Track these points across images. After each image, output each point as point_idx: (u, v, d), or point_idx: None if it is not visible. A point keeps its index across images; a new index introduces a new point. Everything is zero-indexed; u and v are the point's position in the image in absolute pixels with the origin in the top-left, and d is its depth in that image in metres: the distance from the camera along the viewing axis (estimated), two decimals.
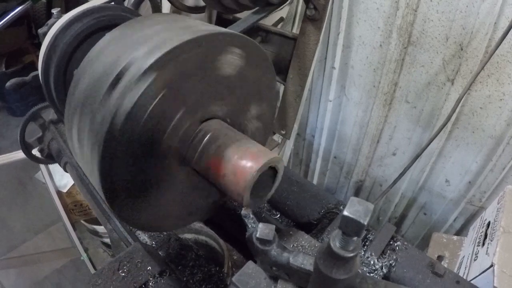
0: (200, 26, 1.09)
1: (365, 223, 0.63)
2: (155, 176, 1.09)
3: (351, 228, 0.65)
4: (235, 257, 3.24)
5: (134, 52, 0.97)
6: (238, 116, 1.22)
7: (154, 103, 0.95)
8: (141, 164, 1.03)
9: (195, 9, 2.18)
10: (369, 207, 0.64)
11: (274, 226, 0.88)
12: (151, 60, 0.91)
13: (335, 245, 0.69)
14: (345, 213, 0.64)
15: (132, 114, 0.93)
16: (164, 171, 1.10)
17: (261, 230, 0.88)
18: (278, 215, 1.71)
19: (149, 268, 1.39)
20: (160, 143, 1.03)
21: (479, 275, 1.78)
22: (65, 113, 1.12)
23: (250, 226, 0.92)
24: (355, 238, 0.68)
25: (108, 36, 1.11)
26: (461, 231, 2.96)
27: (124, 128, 0.93)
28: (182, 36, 0.96)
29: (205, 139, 1.08)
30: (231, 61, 1.09)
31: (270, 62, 1.23)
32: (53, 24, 1.53)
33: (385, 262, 1.39)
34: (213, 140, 1.07)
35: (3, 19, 4.08)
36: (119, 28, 1.12)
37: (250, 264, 0.97)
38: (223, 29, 1.07)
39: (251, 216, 0.93)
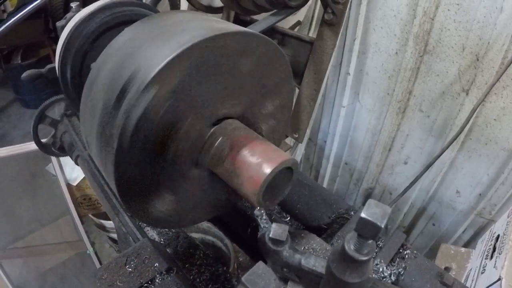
0: (214, 24, 1.09)
1: (382, 226, 0.62)
2: (168, 178, 1.09)
3: (367, 230, 0.65)
4: (240, 259, 3.25)
5: (146, 53, 0.98)
6: (253, 114, 1.21)
7: (162, 111, 0.96)
8: (154, 167, 1.04)
9: (213, 9, 2.19)
10: (387, 210, 0.63)
11: (287, 227, 0.87)
12: (156, 70, 0.91)
13: (350, 247, 0.69)
14: (362, 215, 0.64)
15: (142, 123, 0.94)
16: (176, 172, 1.10)
17: (275, 230, 0.87)
18: (288, 218, 1.70)
19: (156, 264, 1.38)
20: (172, 148, 1.04)
21: None
22: (80, 108, 1.13)
23: (262, 226, 0.92)
24: (370, 241, 0.68)
25: (127, 31, 1.11)
26: (470, 243, 2.94)
27: (136, 136, 0.95)
28: (192, 37, 0.95)
29: (218, 141, 1.08)
30: (245, 61, 1.08)
31: (281, 53, 1.19)
32: (71, 18, 1.54)
33: (394, 270, 1.37)
34: (226, 141, 1.07)
35: (21, 12, 4.11)
36: (137, 23, 1.13)
37: (260, 264, 0.96)
38: (228, 29, 1.05)
39: (264, 216, 0.92)
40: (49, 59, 5.83)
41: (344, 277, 0.72)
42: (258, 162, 0.98)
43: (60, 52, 1.49)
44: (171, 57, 0.91)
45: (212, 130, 1.10)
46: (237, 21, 2.18)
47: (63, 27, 1.54)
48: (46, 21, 5.88)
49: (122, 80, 0.97)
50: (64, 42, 1.48)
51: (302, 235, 1.21)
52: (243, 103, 1.16)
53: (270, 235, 0.87)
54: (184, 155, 1.08)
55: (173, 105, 0.97)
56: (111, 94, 0.98)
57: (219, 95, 1.07)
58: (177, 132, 1.03)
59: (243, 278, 0.94)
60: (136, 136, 0.95)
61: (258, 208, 0.96)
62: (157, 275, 1.35)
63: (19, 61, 5.73)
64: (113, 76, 1.01)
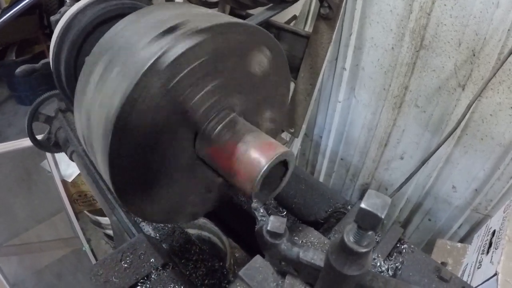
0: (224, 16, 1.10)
1: (382, 217, 0.61)
2: (163, 170, 1.08)
3: (367, 221, 0.64)
4: (237, 255, 3.24)
5: (137, 47, 0.97)
6: (253, 114, 1.22)
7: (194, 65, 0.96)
8: (149, 158, 1.02)
9: (208, 3, 2.17)
10: (387, 201, 0.62)
11: (285, 219, 0.86)
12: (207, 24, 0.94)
13: (349, 239, 0.68)
14: (362, 205, 0.63)
15: (138, 111, 0.93)
16: (172, 164, 1.09)
17: (272, 223, 0.86)
18: (285, 213, 1.69)
19: (152, 260, 1.37)
20: (185, 109, 1.02)
21: (483, 283, 1.77)
22: (74, 103, 1.12)
23: (259, 219, 0.90)
24: (370, 233, 0.67)
25: (120, 24, 1.10)
26: (466, 238, 2.94)
27: (130, 125, 0.93)
28: (223, 18, 0.99)
29: (225, 121, 1.07)
30: (261, 61, 1.11)
31: (288, 69, 1.26)
32: (65, 12, 1.52)
33: (391, 264, 1.37)
34: (231, 125, 1.06)
35: (15, 7, 4.08)
36: (131, 16, 1.12)
37: (257, 258, 0.96)
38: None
39: (261, 209, 0.91)
40: (44, 55, 5.79)
41: (343, 269, 0.71)
42: (256, 154, 0.97)
43: (54, 46, 1.48)
44: (160, 52, 0.90)
45: (210, 118, 1.08)
46: (232, 15, 2.16)
47: (57, 21, 1.53)
48: (40, 17, 5.85)
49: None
50: (58, 36, 1.46)
51: (300, 228, 1.20)
52: (249, 102, 1.16)
53: (268, 228, 0.86)
54: (190, 126, 1.07)
55: (203, 65, 0.98)
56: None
57: (234, 83, 1.08)
58: (195, 94, 1.02)
59: (240, 272, 0.93)
60: (130, 125, 0.93)
61: (255, 201, 0.95)
62: (153, 271, 1.35)
63: (14, 58, 5.70)
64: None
